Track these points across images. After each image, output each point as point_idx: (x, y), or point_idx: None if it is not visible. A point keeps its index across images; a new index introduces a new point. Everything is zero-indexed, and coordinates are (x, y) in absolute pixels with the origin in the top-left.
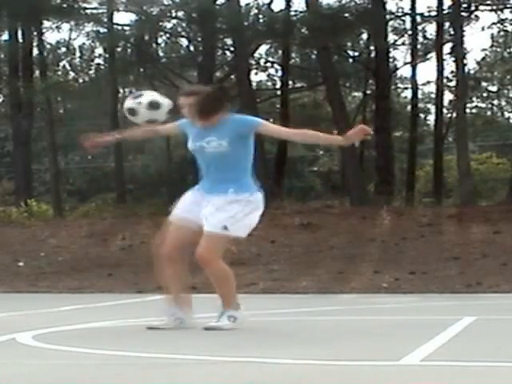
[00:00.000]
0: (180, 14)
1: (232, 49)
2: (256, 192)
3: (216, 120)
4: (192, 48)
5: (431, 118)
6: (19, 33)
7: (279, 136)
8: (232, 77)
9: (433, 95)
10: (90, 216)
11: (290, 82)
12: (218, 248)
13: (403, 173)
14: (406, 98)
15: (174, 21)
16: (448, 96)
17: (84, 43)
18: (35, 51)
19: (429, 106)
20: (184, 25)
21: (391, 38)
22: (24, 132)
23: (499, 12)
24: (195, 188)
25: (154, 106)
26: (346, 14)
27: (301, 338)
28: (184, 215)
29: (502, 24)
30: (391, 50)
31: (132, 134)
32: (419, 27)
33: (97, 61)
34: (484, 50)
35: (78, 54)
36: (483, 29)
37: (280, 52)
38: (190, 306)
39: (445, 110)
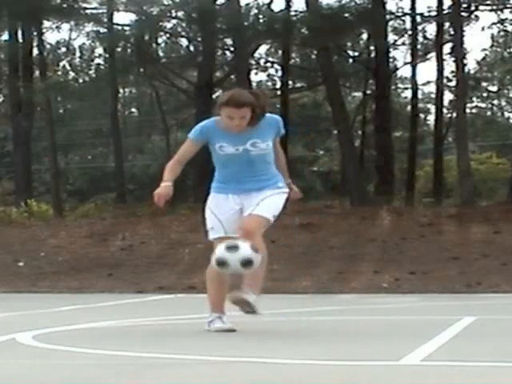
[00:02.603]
0: (180, 14)
1: (232, 49)
2: None
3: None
4: (192, 48)
5: (431, 118)
6: (19, 33)
7: (278, 152)
8: (232, 77)
9: (433, 95)
10: (89, 216)
11: (290, 82)
12: (262, 227)
13: (403, 173)
14: (406, 98)
15: (174, 21)
16: (448, 96)
17: (84, 43)
18: (35, 51)
19: (429, 106)
20: (184, 25)
21: (391, 38)
22: (24, 132)
23: (499, 12)
24: (228, 197)
25: (246, 263)
26: (346, 14)
27: (301, 338)
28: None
29: (502, 24)
30: (391, 49)
31: (175, 174)
32: (419, 27)
33: (97, 61)
34: (484, 50)
35: (78, 53)
36: (483, 29)
37: (280, 52)
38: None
39: (445, 110)
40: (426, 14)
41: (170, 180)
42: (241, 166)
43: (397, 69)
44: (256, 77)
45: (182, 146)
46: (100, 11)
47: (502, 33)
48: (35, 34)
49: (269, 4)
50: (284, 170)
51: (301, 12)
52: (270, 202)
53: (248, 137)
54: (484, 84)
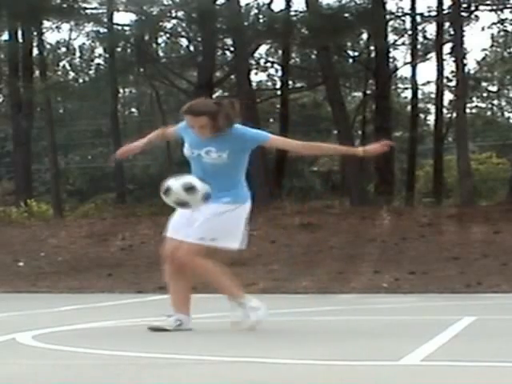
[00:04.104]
0: (180, 14)
1: (232, 49)
2: (248, 201)
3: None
4: (192, 48)
5: (431, 118)
6: (19, 33)
7: (289, 149)
8: (232, 77)
9: (433, 95)
10: (89, 216)
11: (290, 82)
12: (197, 253)
13: (403, 173)
14: (406, 98)
15: (174, 21)
16: (448, 96)
17: (84, 43)
18: (35, 51)
19: (429, 106)
20: (184, 25)
21: (391, 38)
22: (24, 132)
23: (499, 12)
24: None
25: (189, 189)
26: (346, 14)
27: (301, 338)
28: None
29: (502, 24)
30: (391, 49)
31: (149, 140)
32: (419, 27)
33: (97, 61)
34: (484, 49)
35: (78, 53)
36: (483, 29)
37: (280, 52)
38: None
39: (445, 110)
40: (426, 14)
41: (142, 142)
42: (196, 170)
43: (397, 69)
44: (256, 77)
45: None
46: (100, 11)
47: (502, 33)
48: (35, 34)
49: (269, 4)
50: (322, 148)
51: (301, 12)
52: (208, 225)
53: (206, 144)
54: (484, 84)
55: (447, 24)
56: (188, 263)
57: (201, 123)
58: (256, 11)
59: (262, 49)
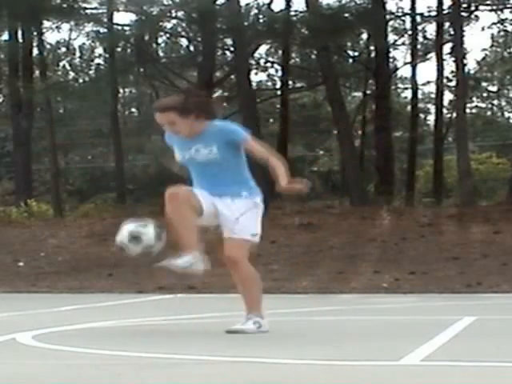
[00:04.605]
0: (180, 14)
1: (232, 49)
2: (260, 195)
3: (201, 127)
4: (192, 48)
5: (431, 118)
6: (19, 33)
7: (256, 155)
8: (232, 77)
9: (433, 95)
10: (89, 216)
11: (290, 82)
12: (245, 251)
13: (403, 173)
14: (406, 98)
15: (174, 21)
16: (448, 96)
17: (84, 43)
18: (35, 51)
19: (429, 106)
20: (184, 25)
21: (391, 38)
22: (24, 132)
23: (499, 12)
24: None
25: (135, 237)
26: (346, 14)
27: (301, 338)
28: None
29: (502, 24)
30: (391, 49)
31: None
32: (419, 27)
33: (97, 61)
34: (484, 49)
35: (78, 53)
36: (483, 29)
37: (280, 52)
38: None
39: (445, 110)
40: (426, 14)
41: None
42: (195, 171)
43: (397, 69)
44: (256, 77)
45: None
46: (100, 11)
47: (502, 33)
48: (35, 34)
49: (269, 4)
50: (272, 166)
51: (301, 12)
52: (246, 221)
53: (192, 143)
54: (484, 84)
55: (447, 24)
56: (241, 262)
57: (168, 119)
58: (256, 11)
59: (262, 49)
